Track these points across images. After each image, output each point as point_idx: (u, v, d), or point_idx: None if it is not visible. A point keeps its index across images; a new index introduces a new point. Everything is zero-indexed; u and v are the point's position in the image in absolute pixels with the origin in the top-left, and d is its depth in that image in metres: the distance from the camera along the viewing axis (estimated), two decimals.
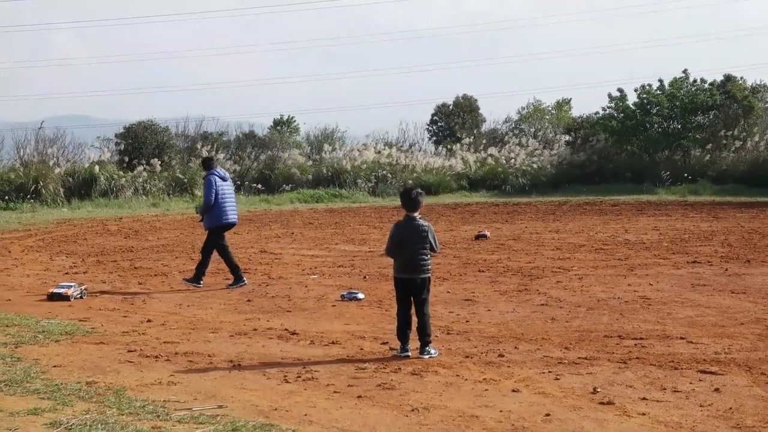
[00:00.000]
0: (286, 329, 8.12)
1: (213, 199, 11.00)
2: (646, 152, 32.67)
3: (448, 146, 35.18)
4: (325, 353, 7.14)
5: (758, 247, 14.23)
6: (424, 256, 7.13)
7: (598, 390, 5.87)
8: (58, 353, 7.10)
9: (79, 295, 10.00)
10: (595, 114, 34.75)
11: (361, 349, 7.28)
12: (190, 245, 15.62)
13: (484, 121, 40.04)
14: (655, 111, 32.49)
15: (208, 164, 11.45)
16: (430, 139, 39.49)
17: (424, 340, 7.03)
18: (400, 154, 33.05)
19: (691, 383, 6.07)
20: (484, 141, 35.72)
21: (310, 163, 32.34)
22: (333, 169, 31.04)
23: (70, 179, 26.50)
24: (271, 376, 6.36)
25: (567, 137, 36.03)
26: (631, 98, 33.36)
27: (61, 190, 25.88)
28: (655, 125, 32.49)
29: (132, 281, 11.57)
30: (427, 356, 6.92)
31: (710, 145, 31.90)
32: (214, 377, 6.35)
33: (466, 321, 8.50)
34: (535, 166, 33.04)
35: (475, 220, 20.88)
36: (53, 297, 9.85)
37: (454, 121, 38.95)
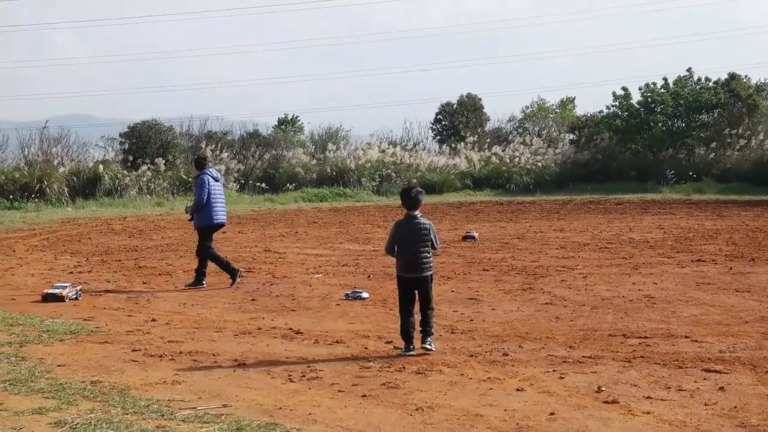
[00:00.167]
0: (290, 328, 8.12)
1: (205, 198, 10.95)
2: (651, 151, 32.63)
3: (453, 145, 35.19)
4: (330, 352, 7.14)
5: (763, 246, 14.20)
6: (425, 255, 7.13)
7: (603, 389, 5.86)
8: (63, 352, 7.10)
9: (74, 296, 9.82)
10: (599, 113, 34.75)
11: (366, 348, 7.28)
12: (194, 244, 15.53)
13: (488, 120, 40.06)
14: (659, 110, 32.46)
15: (201, 164, 11.37)
16: (434, 138, 39.53)
17: (426, 330, 7.08)
18: (404, 153, 33.05)
19: (695, 382, 6.05)
20: (488, 140, 35.72)
21: (314, 162, 32.36)
22: (337, 168, 31.05)
23: (75, 179, 26.57)
24: (275, 375, 6.36)
25: (571, 136, 36.02)
26: (635, 97, 33.37)
27: (66, 189, 25.95)
28: (660, 124, 32.47)
29: (136, 280, 11.58)
30: (427, 345, 6.98)
31: (715, 143, 31.86)
32: (219, 376, 6.35)
33: (471, 320, 8.49)
34: (539, 164, 33.04)
35: (479, 219, 20.88)
36: (48, 298, 9.64)
37: (459, 119, 38.96)
